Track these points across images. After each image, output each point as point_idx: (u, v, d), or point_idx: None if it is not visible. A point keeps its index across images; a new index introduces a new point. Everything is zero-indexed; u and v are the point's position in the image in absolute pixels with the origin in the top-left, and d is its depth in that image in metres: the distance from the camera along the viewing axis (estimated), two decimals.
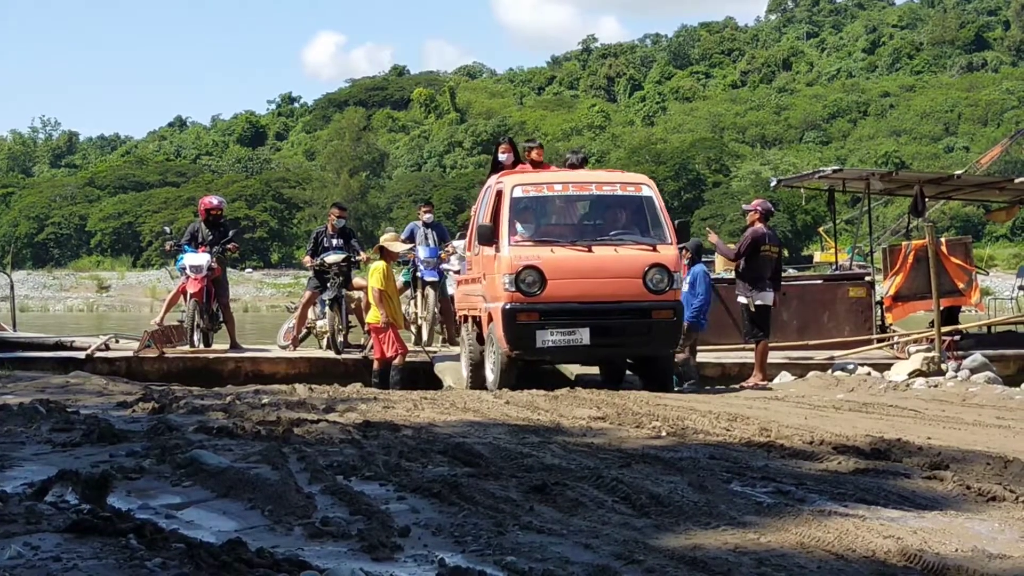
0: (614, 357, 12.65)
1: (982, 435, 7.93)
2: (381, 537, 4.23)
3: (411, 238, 15.84)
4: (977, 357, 12.94)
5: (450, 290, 15.92)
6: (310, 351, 14.58)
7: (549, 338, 11.45)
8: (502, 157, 13.53)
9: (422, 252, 15.66)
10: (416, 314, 15.73)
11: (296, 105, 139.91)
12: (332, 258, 14.06)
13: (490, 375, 12.09)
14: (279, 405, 9.27)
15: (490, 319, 11.94)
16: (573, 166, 13.27)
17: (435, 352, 14.08)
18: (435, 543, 4.29)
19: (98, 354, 13.85)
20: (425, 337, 15.36)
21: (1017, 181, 17.73)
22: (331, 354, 13.96)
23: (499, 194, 12.23)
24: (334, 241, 14.40)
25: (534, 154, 13.41)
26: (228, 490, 5.17)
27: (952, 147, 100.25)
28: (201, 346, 14.25)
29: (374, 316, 12.69)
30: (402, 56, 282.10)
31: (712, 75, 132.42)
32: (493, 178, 12.99)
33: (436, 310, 15.68)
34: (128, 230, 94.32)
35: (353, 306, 14.15)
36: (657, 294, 11.57)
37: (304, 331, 15.02)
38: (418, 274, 15.74)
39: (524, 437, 7.37)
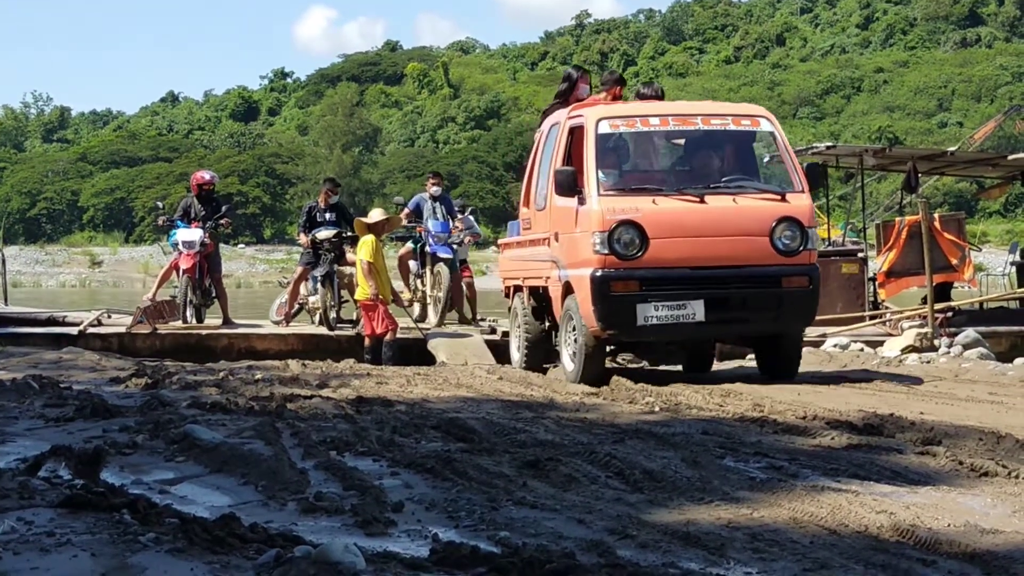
0: (732, 336, 10.63)
1: (975, 411, 7.94)
2: (375, 512, 4.23)
3: (417, 211, 14.96)
4: (970, 333, 12.96)
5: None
6: (303, 327, 14.56)
7: (653, 313, 9.30)
8: (581, 90, 11.24)
9: (433, 226, 14.56)
10: (424, 292, 14.77)
11: (289, 80, 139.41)
12: (323, 234, 14.02)
13: (569, 363, 10.05)
14: (272, 381, 9.28)
15: (567, 291, 9.92)
16: (649, 100, 10.92)
17: (429, 329, 14.04)
18: (429, 518, 4.30)
19: (91, 330, 13.83)
20: (435, 318, 14.29)
21: (1011, 158, 17.74)
22: (324, 330, 13.93)
23: (575, 132, 10.18)
24: (327, 215, 14.35)
25: (614, 93, 11.02)
26: (222, 465, 5.18)
27: (946, 123, 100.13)
28: (194, 322, 14.22)
29: (363, 292, 12.65)
30: (394, 31, 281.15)
31: (705, 51, 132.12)
32: (561, 112, 10.82)
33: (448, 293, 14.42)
34: (120, 206, 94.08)
35: (345, 281, 14.12)
36: (788, 256, 9.52)
37: (296, 307, 14.99)
38: (427, 249, 14.62)
39: (517, 412, 7.38)
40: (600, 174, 9.59)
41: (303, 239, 14.35)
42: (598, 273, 9.31)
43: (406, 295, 14.69)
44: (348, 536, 3.89)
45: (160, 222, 15.32)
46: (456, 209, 15.63)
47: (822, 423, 6.94)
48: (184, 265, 14.04)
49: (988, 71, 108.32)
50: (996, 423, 7.01)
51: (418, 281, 15.06)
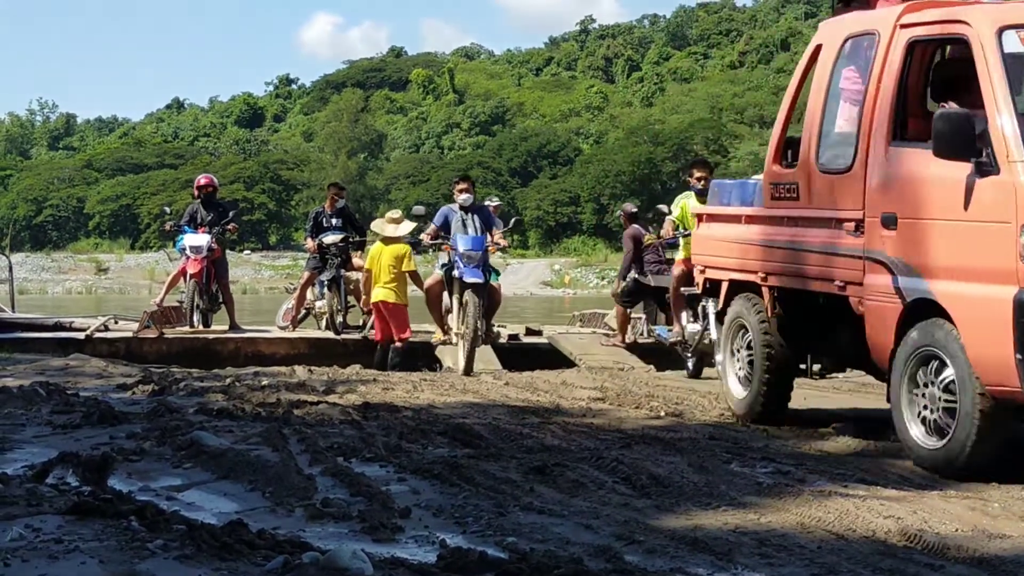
0: None
1: None
2: (382, 518, 4.24)
3: (445, 227, 12.02)
4: None
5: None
6: (309, 332, 14.57)
7: None
8: None
9: (461, 243, 11.50)
10: (452, 329, 11.80)
11: (294, 87, 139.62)
12: (330, 239, 14.03)
13: (924, 437, 5.90)
14: (279, 387, 9.28)
15: (914, 314, 6.06)
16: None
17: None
18: (436, 524, 4.30)
19: (97, 335, 13.83)
20: (463, 363, 11.26)
21: None
22: (330, 335, 13.94)
23: (919, 48, 6.62)
24: (333, 221, 14.36)
25: None
26: (229, 472, 5.18)
27: None
28: (200, 327, 14.24)
29: (398, 297, 12.49)
30: (399, 37, 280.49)
31: (710, 56, 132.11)
32: (877, 15, 6.99)
33: (480, 324, 11.43)
34: (126, 212, 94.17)
35: (352, 287, 14.13)
36: None
37: (303, 312, 15.00)
38: (455, 273, 11.59)
39: (524, 418, 7.38)
40: (1019, 124, 5.71)
41: (310, 244, 14.38)
42: None
43: (438, 336, 12.42)
44: (356, 542, 3.89)
45: (167, 227, 15.36)
46: (499, 223, 12.61)
47: (829, 428, 6.93)
48: (191, 270, 14.06)
49: None
50: None
51: (449, 318, 12.02)
